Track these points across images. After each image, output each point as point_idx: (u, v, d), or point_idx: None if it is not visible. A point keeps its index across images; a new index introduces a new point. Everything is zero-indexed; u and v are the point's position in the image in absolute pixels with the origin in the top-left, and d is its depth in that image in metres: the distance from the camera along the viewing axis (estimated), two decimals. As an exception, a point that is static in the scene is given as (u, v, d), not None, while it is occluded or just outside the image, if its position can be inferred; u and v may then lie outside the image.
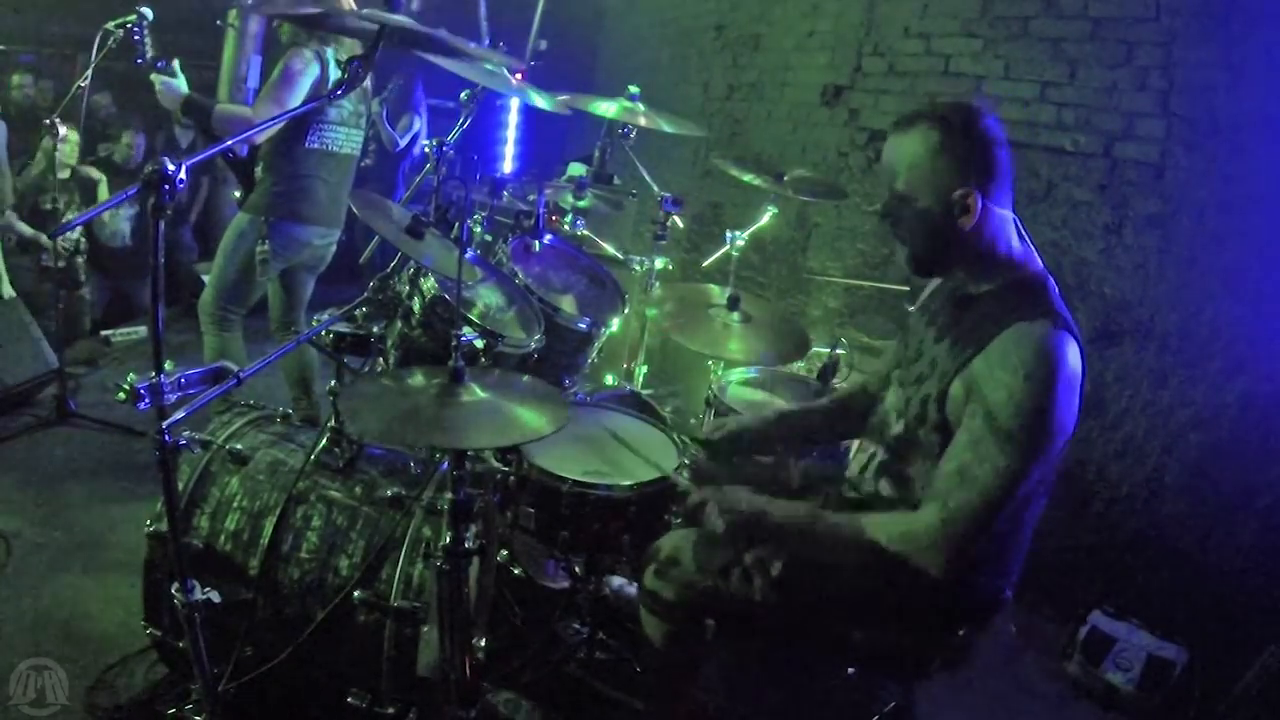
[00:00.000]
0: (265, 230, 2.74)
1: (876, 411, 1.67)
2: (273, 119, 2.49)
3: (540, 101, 2.56)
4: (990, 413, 1.33)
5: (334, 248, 3.04)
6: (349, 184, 2.97)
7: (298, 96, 2.61)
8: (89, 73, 3.04)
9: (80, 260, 4.30)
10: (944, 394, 1.43)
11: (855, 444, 1.94)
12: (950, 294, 1.58)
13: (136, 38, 2.64)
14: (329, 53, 2.70)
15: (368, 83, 2.85)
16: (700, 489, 1.61)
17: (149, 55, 2.63)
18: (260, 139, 2.66)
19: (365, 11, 1.53)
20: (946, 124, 1.39)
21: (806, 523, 1.50)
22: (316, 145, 2.78)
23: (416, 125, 5.28)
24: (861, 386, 1.85)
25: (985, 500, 1.33)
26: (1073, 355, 1.35)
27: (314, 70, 2.65)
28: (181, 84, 2.64)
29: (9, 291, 3.65)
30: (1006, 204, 1.45)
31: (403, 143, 5.18)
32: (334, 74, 2.69)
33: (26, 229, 4.09)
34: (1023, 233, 1.50)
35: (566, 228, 2.94)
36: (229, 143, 2.12)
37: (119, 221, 4.49)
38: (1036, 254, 1.51)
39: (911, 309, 1.76)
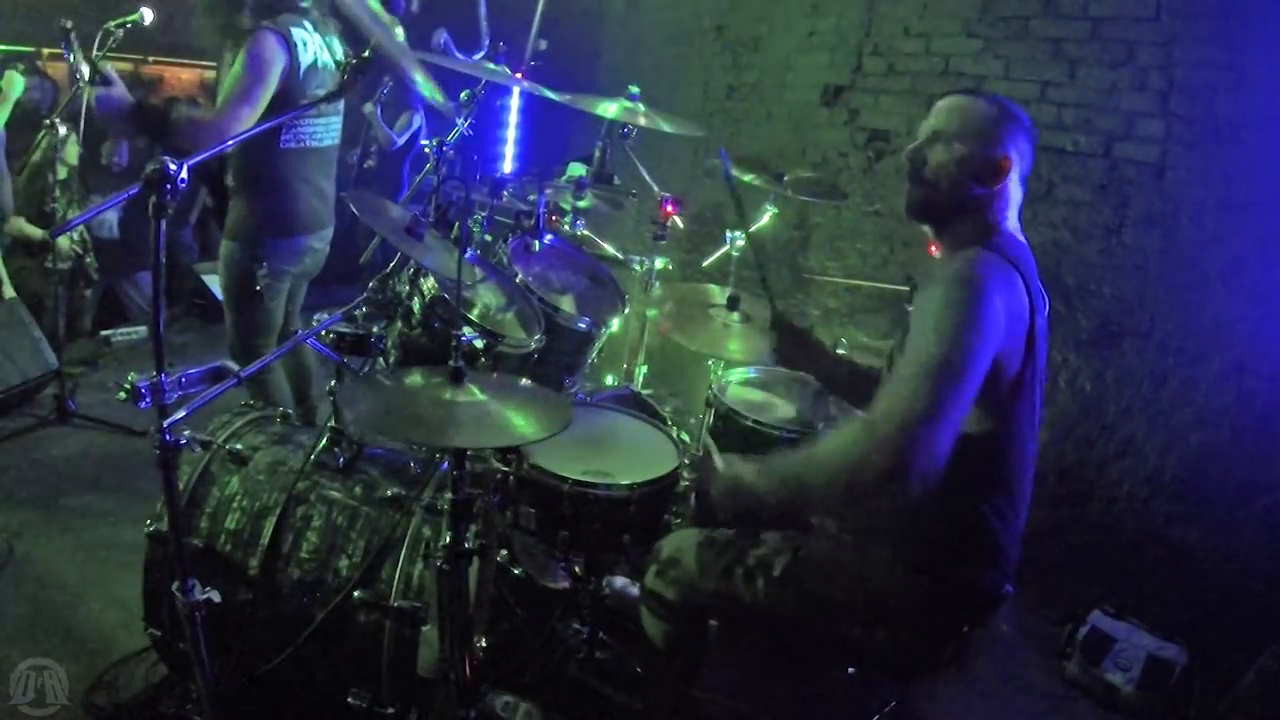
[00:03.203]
0: (260, 253, 2.53)
1: None
2: (250, 130, 2.13)
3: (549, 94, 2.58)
4: (920, 316, 1.38)
5: (328, 247, 2.86)
6: (333, 177, 2.75)
7: (269, 87, 2.30)
8: (89, 72, 3.04)
9: (89, 260, 4.31)
10: (903, 343, 1.46)
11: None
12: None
13: (66, 55, 2.23)
14: (297, 33, 2.39)
15: (342, 56, 2.54)
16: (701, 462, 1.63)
17: (85, 76, 2.23)
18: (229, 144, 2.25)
19: (365, 19, 1.52)
20: (1004, 105, 1.53)
21: (768, 473, 1.45)
22: (293, 144, 2.51)
23: (416, 122, 5.27)
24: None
25: (922, 386, 1.28)
26: (996, 265, 1.39)
27: (282, 56, 2.33)
28: (123, 93, 2.25)
29: (9, 292, 3.64)
30: (1020, 194, 1.55)
31: (401, 141, 5.18)
32: (304, 56, 2.39)
33: (37, 232, 4.08)
34: (1019, 225, 1.56)
35: (566, 228, 2.94)
36: (221, 148, 2.02)
37: (106, 214, 4.47)
38: (1021, 235, 1.55)
39: (911, 308, 1.77)
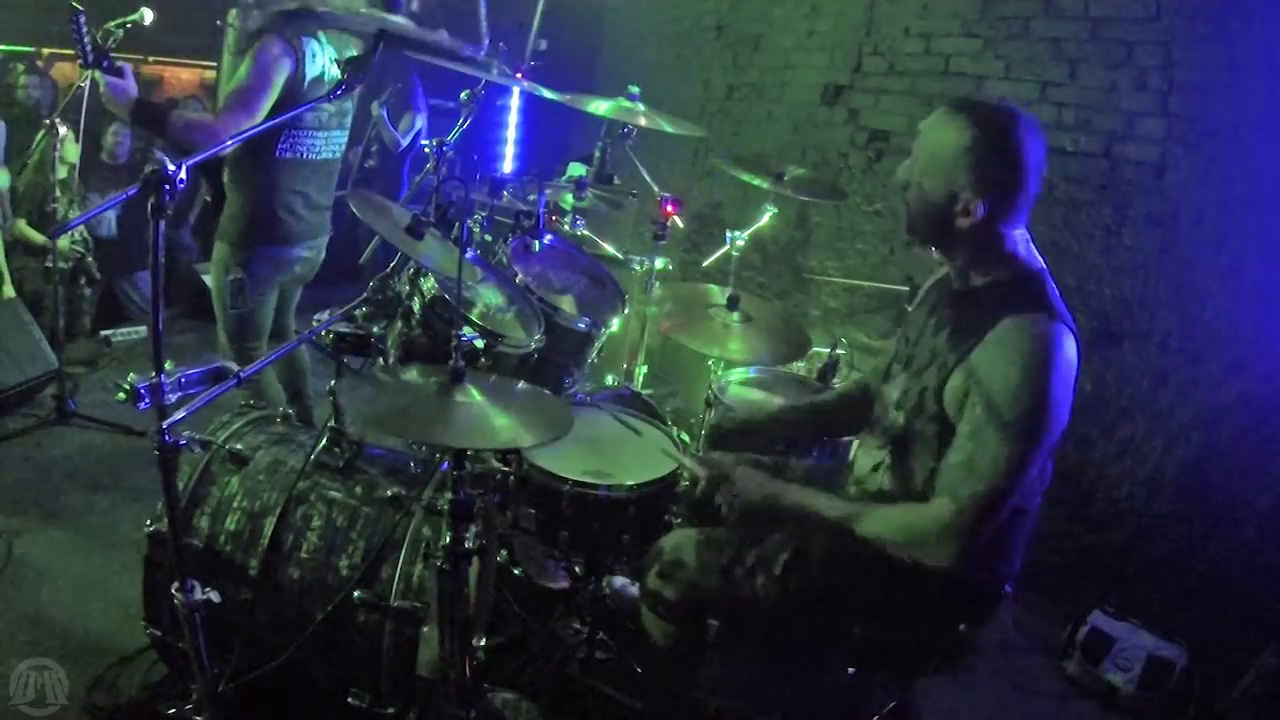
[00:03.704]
0: (246, 257, 2.54)
1: (877, 406, 1.67)
2: (245, 132, 2.14)
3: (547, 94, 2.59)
4: (989, 403, 1.35)
5: (323, 253, 2.84)
6: (332, 189, 2.74)
7: (271, 96, 2.30)
8: (89, 72, 3.04)
9: (90, 259, 4.32)
10: (942, 386, 1.45)
11: (856, 442, 1.94)
12: (949, 287, 1.59)
13: (76, 35, 2.21)
14: (309, 44, 2.39)
15: (341, 75, 2.61)
16: (712, 473, 1.63)
17: (90, 56, 2.23)
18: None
19: (365, 13, 1.52)
20: (986, 129, 1.38)
21: (813, 513, 1.51)
22: (289, 155, 2.49)
23: (419, 123, 5.28)
24: (863, 384, 1.85)
25: (991, 490, 1.34)
26: (1068, 347, 1.37)
27: (287, 65, 2.32)
28: (132, 85, 2.29)
29: (9, 291, 3.65)
30: (1017, 223, 1.46)
31: (405, 142, 5.18)
32: (311, 69, 2.40)
33: (38, 236, 4.09)
34: (1029, 239, 1.52)
35: (566, 228, 2.94)
36: (223, 145, 2.03)
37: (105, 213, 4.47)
38: (1039, 257, 1.52)
39: (910, 307, 1.76)
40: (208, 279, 2.89)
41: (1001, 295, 1.44)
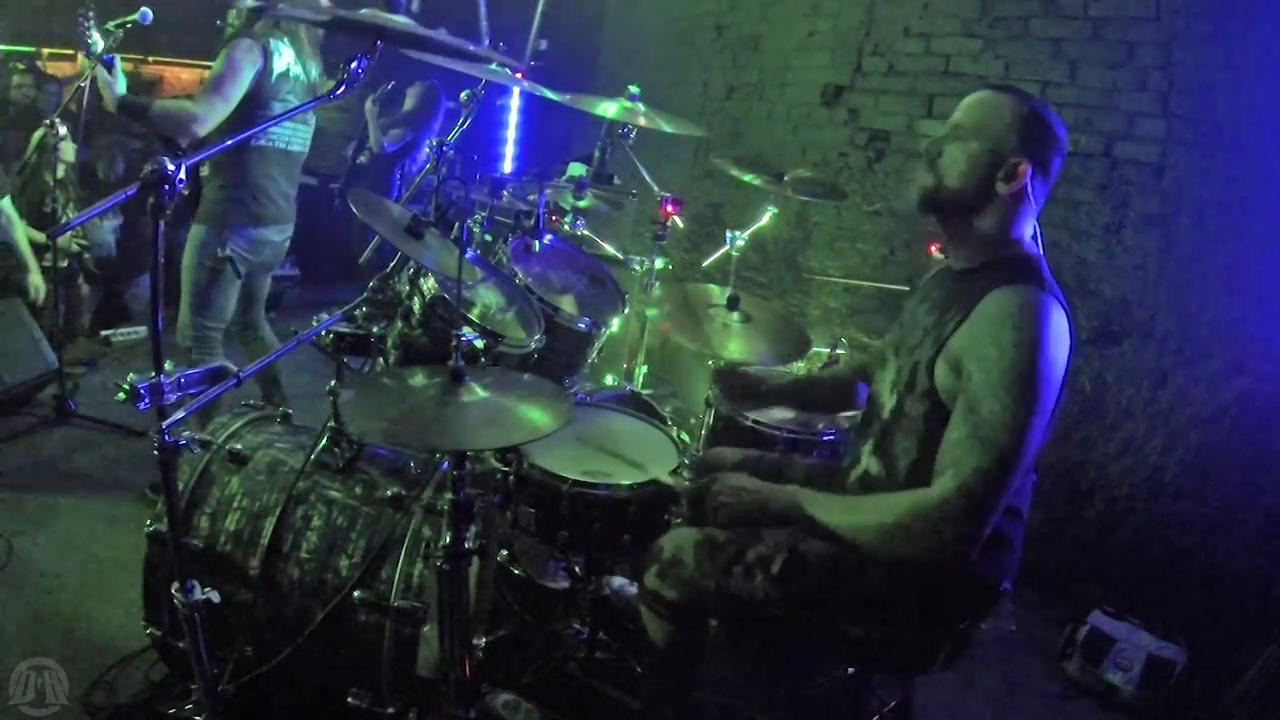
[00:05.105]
0: (225, 236, 2.70)
1: (872, 398, 1.69)
2: (240, 135, 2.20)
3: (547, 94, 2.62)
4: (984, 371, 1.34)
5: (288, 241, 3.01)
6: (296, 180, 2.94)
7: (241, 86, 2.53)
8: (89, 72, 3.04)
9: (88, 256, 4.31)
10: (934, 360, 1.45)
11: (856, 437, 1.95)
12: (947, 271, 1.63)
13: (80, 28, 2.50)
14: (275, 43, 2.62)
15: (315, 77, 2.81)
16: (700, 482, 1.63)
17: (96, 49, 2.52)
18: (202, 131, 2.51)
19: (364, 12, 1.52)
20: (1038, 109, 1.46)
21: (801, 514, 1.50)
22: (264, 142, 2.73)
23: (409, 138, 5.21)
24: (856, 369, 1.92)
25: (1000, 459, 1.30)
26: (1057, 317, 1.37)
27: (257, 60, 2.56)
28: (120, 83, 2.55)
29: (37, 280, 3.63)
30: (1039, 202, 1.51)
31: (391, 149, 5.11)
32: (278, 64, 2.63)
33: (39, 235, 4.09)
34: (1037, 234, 1.55)
35: (566, 228, 2.94)
36: (226, 145, 2.16)
37: (103, 234, 4.46)
38: (1039, 246, 1.54)
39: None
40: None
41: (995, 273, 1.46)
